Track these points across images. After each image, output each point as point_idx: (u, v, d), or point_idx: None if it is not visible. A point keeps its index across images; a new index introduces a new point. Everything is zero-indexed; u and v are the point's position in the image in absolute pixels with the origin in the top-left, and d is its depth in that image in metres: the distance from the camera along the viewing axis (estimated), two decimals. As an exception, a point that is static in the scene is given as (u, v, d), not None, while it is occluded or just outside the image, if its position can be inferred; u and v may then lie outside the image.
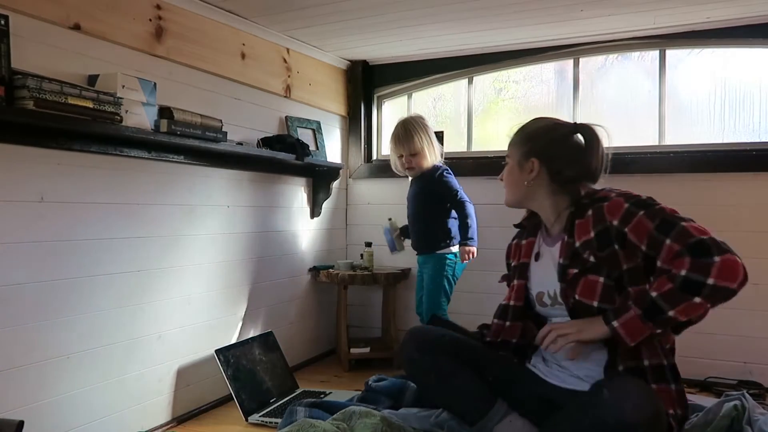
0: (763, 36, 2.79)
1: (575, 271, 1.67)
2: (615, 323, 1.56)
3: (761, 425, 1.89)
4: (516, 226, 1.99)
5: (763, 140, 2.86)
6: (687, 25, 2.86)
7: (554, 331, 1.66)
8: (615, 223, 1.62)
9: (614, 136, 3.26)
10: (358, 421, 1.93)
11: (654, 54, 3.07)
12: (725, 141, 2.93)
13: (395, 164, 3.00)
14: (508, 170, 1.86)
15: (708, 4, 2.60)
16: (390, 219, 3.12)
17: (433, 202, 2.89)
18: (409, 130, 2.89)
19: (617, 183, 3.26)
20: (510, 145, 1.87)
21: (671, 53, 3.04)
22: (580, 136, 1.79)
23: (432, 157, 2.91)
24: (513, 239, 2.00)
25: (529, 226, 1.92)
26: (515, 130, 1.89)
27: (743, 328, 2.78)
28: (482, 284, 3.08)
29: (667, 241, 1.54)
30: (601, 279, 1.63)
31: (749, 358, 2.77)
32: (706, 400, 2.22)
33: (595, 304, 1.64)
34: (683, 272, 1.49)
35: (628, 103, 3.16)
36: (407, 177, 3.02)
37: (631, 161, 2.99)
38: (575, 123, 1.83)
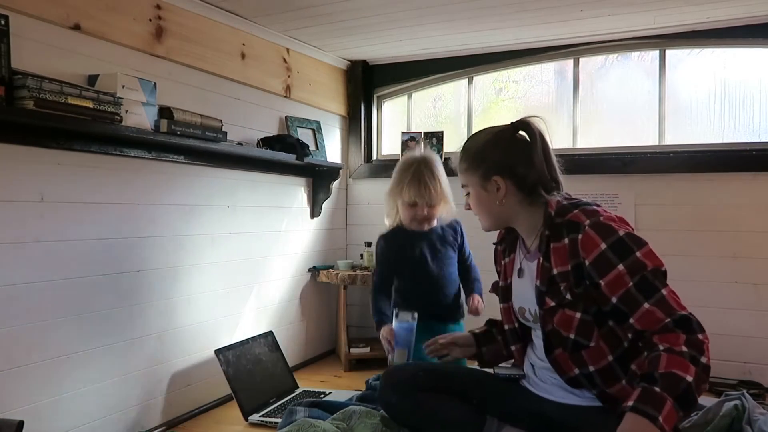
0: (763, 36, 2.79)
1: (552, 303, 1.63)
2: (660, 421, 1.36)
3: (761, 425, 1.89)
4: (496, 244, 1.94)
5: (763, 140, 2.86)
6: (687, 25, 2.86)
7: None
8: (587, 263, 1.55)
9: (614, 136, 3.28)
10: (358, 421, 1.93)
11: (654, 54, 3.07)
12: (725, 141, 2.93)
13: (401, 214, 2.42)
14: (474, 198, 1.76)
15: (708, 4, 2.60)
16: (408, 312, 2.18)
17: (455, 261, 2.52)
18: (435, 174, 2.38)
19: (618, 183, 3.28)
20: (462, 173, 1.76)
21: (671, 53, 3.04)
22: (522, 133, 1.71)
23: (452, 204, 2.45)
24: (497, 244, 1.95)
25: (508, 241, 1.87)
26: (458, 156, 1.78)
27: (743, 328, 2.78)
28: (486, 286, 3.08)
29: (646, 305, 1.49)
30: (578, 315, 1.60)
31: (749, 358, 2.77)
32: (706, 400, 2.22)
33: (572, 336, 1.61)
34: (685, 349, 1.44)
35: (628, 103, 3.16)
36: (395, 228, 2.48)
37: (630, 161, 2.99)
38: (511, 123, 1.74)
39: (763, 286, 2.76)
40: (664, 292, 1.51)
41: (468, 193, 1.78)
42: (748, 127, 2.92)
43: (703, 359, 1.46)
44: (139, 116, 2.08)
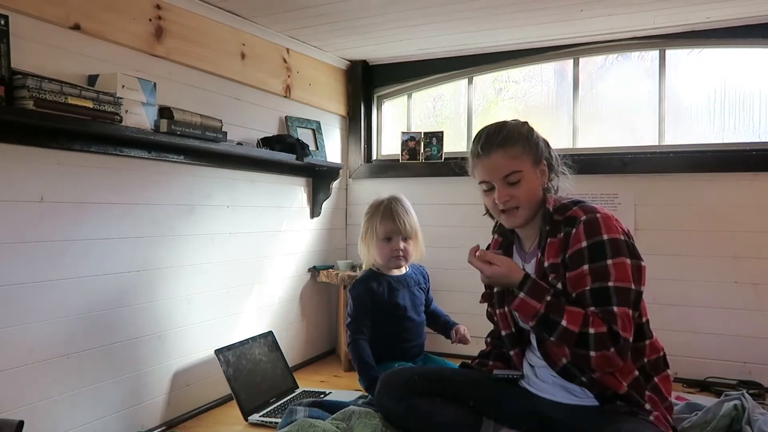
0: (763, 36, 2.79)
1: None
2: (521, 295, 1.59)
3: (761, 425, 1.89)
4: (489, 245, 1.97)
5: (763, 140, 2.86)
6: (687, 25, 2.86)
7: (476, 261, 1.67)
8: (567, 255, 1.62)
9: (614, 136, 3.28)
10: (358, 421, 1.93)
11: (654, 54, 3.07)
12: (725, 141, 2.93)
13: (376, 254, 2.45)
14: (527, 183, 1.69)
15: (708, 4, 2.60)
16: None
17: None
18: (407, 209, 2.45)
19: (618, 183, 3.27)
20: (514, 157, 1.68)
21: (671, 53, 3.04)
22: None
23: (423, 246, 2.52)
24: None
25: (504, 247, 1.89)
26: (498, 140, 1.70)
27: (743, 328, 2.78)
28: (466, 284, 3.09)
29: (592, 308, 1.55)
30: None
31: (749, 358, 2.77)
32: (706, 400, 2.22)
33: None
34: (592, 331, 1.51)
35: (628, 103, 3.16)
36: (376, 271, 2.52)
37: (631, 161, 2.99)
38: (516, 119, 1.82)
39: (763, 286, 2.76)
40: (615, 309, 1.53)
41: (517, 181, 1.68)
42: (748, 127, 2.91)
43: (593, 353, 1.50)
44: (139, 116, 2.08)
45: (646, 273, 1.63)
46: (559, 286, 1.63)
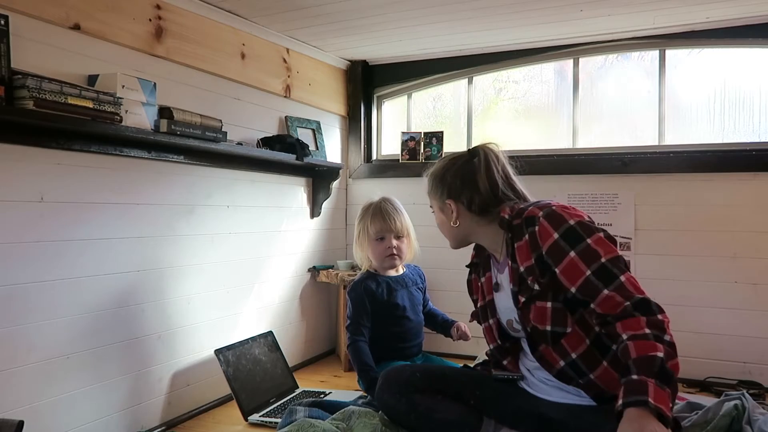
0: (763, 36, 2.79)
1: (524, 299, 1.67)
2: (652, 403, 1.33)
3: (761, 425, 1.89)
4: (468, 266, 2.00)
5: (763, 140, 2.86)
6: (687, 25, 2.86)
7: None
8: (544, 252, 1.60)
9: (614, 136, 3.28)
10: (358, 420, 1.93)
11: (654, 54, 3.07)
12: (725, 141, 2.93)
13: (371, 256, 2.49)
14: (437, 219, 1.91)
15: (708, 4, 2.60)
16: None
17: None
18: (397, 208, 2.49)
19: (618, 183, 3.28)
20: (428, 194, 1.91)
21: (671, 53, 3.04)
22: (475, 159, 1.81)
23: (416, 244, 2.55)
24: (470, 275, 2.00)
25: (482, 262, 1.92)
26: (426, 180, 1.92)
27: (743, 328, 2.78)
28: (464, 284, 3.10)
29: (605, 291, 1.52)
30: (549, 304, 1.63)
31: (749, 358, 2.77)
32: (706, 400, 2.22)
33: (548, 328, 1.64)
34: (647, 330, 1.44)
35: (628, 103, 3.16)
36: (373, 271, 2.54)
37: (631, 161, 2.99)
38: (468, 150, 1.86)
39: (762, 286, 2.76)
40: (622, 278, 1.54)
41: (434, 212, 1.92)
42: (748, 127, 2.91)
43: (666, 337, 1.46)
44: (139, 116, 2.08)
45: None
46: (537, 287, 1.63)
